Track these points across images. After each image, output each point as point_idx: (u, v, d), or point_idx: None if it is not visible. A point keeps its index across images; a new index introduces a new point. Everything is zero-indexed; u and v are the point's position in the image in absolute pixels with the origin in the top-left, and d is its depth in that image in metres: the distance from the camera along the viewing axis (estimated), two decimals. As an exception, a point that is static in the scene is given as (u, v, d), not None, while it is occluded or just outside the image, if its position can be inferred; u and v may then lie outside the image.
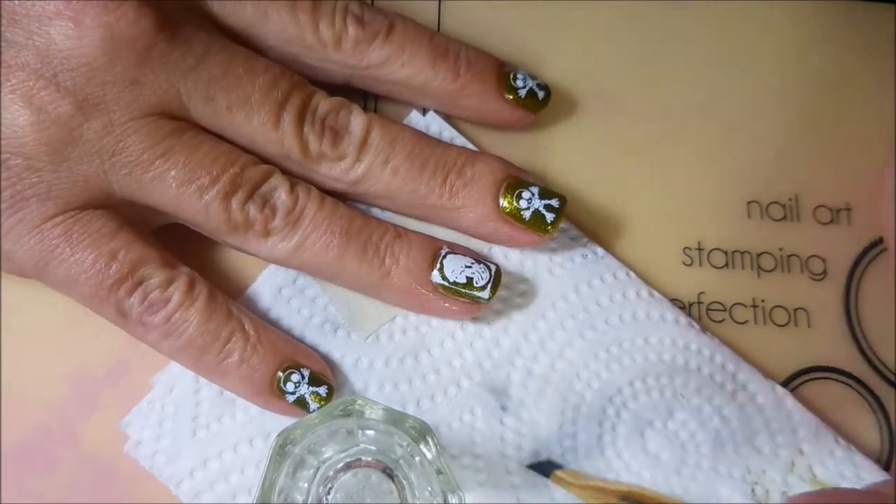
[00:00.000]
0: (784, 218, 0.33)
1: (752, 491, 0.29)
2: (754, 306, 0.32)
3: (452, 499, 0.25)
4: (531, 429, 0.29)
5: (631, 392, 0.30)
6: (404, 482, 0.26)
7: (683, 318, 0.31)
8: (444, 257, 0.29)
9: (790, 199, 0.33)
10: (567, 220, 0.31)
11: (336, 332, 0.30)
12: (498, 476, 0.29)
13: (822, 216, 0.33)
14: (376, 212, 0.31)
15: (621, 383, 0.30)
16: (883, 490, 0.25)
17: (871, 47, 0.35)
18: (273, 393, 0.28)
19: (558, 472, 0.26)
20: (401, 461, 0.25)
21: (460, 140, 0.32)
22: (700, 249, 0.32)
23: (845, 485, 0.29)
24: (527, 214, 0.30)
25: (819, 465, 0.29)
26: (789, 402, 0.30)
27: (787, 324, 0.32)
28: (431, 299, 0.29)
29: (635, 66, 0.34)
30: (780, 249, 0.32)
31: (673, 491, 0.29)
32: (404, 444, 0.25)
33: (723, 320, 0.32)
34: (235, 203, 0.28)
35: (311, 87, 0.30)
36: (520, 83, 0.31)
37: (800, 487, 0.29)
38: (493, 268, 0.29)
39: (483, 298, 0.29)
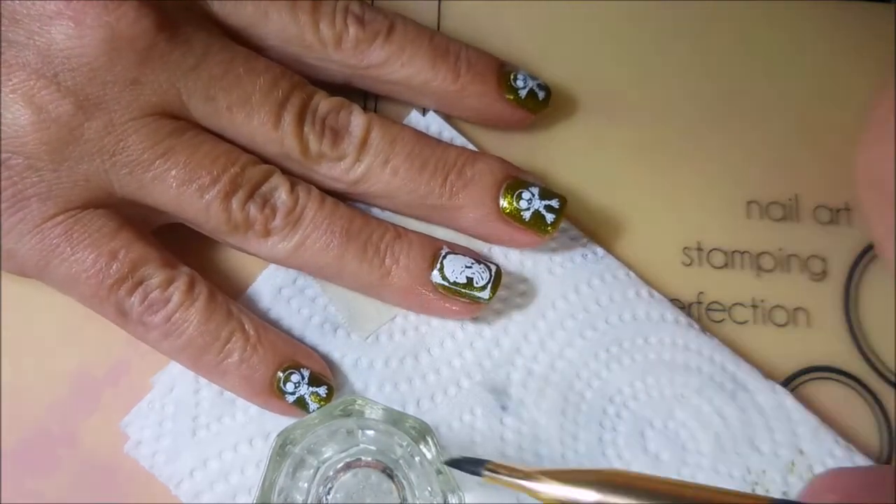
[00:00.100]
0: (784, 218, 0.33)
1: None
2: (754, 306, 0.32)
3: (452, 499, 0.25)
4: (531, 429, 0.29)
5: (631, 392, 0.30)
6: (404, 482, 0.26)
7: (683, 318, 0.31)
8: (445, 257, 0.29)
9: (790, 199, 0.33)
10: (567, 220, 0.31)
11: (336, 332, 0.30)
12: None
13: (822, 216, 0.33)
14: (376, 212, 0.31)
15: (621, 383, 0.30)
16: None
17: (871, 47, 0.35)
18: (273, 393, 0.28)
19: (490, 465, 0.24)
20: (401, 461, 0.25)
21: (460, 140, 0.32)
22: (700, 249, 0.32)
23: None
24: (527, 215, 0.30)
25: (819, 465, 0.29)
26: (789, 401, 0.30)
27: (786, 324, 0.32)
28: (431, 299, 0.29)
29: (635, 66, 0.34)
30: (780, 249, 0.32)
31: (673, 491, 0.29)
32: (404, 444, 0.25)
33: (723, 320, 0.32)
34: (236, 203, 0.28)
35: (311, 87, 0.30)
36: (520, 83, 0.31)
37: (800, 487, 0.29)
38: (494, 268, 0.29)
39: (483, 298, 0.29)
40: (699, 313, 0.32)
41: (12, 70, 0.27)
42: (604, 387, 0.30)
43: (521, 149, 0.32)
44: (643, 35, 0.34)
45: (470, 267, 0.29)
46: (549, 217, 0.30)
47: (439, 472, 0.25)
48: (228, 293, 0.29)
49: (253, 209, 0.28)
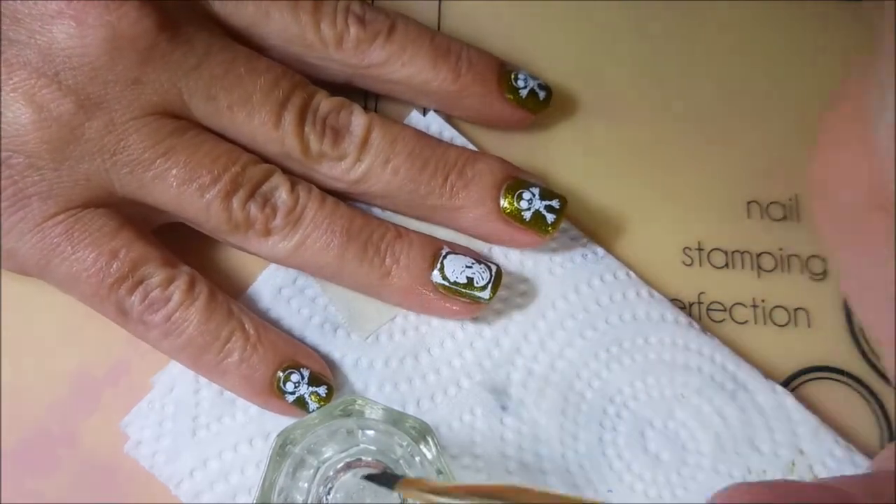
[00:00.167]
0: (784, 218, 0.33)
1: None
2: (754, 306, 0.32)
3: (453, 498, 0.25)
4: (531, 429, 0.29)
5: (631, 392, 0.30)
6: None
7: (683, 318, 0.31)
8: (445, 257, 0.29)
9: (790, 199, 0.33)
10: (567, 220, 0.31)
11: (336, 332, 0.30)
12: (498, 476, 0.29)
13: (822, 216, 0.33)
14: (376, 212, 0.31)
15: (621, 383, 0.30)
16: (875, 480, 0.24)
17: (871, 47, 0.35)
18: (273, 393, 0.28)
19: (405, 480, 0.23)
20: (401, 461, 0.25)
21: (460, 140, 0.32)
22: (700, 249, 0.32)
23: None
24: (527, 215, 0.30)
25: (819, 465, 0.29)
26: (789, 401, 0.30)
27: (787, 324, 0.32)
28: (432, 299, 0.29)
29: (635, 66, 0.34)
30: (780, 249, 0.32)
31: (673, 491, 0.29)
32: (404, 444, 0.25)
33: (723, 320, 0.32)
34: (236, 202, 0.28)
35: (312, 86, 0.30)
36: (521, 83, 0.31)
37: (800, 487, 0.29)
38: (494, 268, 0.29)
39: (483, 298, 0.29)
40: (699, 313, 0.32)
41: (13, 69, 0.27)
42: (604, 387, 0.30)
43: (521, 149, 0.33)
44: (643, 35, 0.34)
45: (470, 267, 0.29)
46: (550, 217, 0.30)
47: (440, 472, 0.25)
48: (229, 293, 0.29)
49: (253, 208, 0.28)
